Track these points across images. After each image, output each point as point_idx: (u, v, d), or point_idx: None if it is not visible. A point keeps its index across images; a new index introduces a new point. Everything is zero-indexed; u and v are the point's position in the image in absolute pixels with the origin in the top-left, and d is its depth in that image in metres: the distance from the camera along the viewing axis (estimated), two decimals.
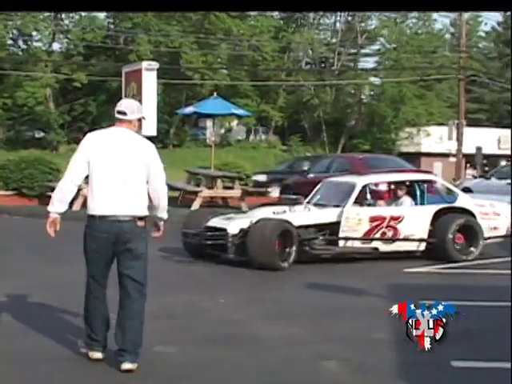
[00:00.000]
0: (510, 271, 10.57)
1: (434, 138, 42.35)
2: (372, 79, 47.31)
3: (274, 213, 11.71)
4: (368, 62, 66.20)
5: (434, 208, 12.30)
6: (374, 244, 11.97)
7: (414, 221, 12.13)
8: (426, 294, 9.12)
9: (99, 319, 5.98)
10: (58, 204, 5.80)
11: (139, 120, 6.02)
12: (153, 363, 6.08)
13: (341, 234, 11.65)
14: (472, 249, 12.16)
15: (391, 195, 12.93)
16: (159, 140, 45.50)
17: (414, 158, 39.36)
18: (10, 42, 46.93)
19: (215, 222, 11.73)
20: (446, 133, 37.43)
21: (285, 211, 11.85)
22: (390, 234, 11.96)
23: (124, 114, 5.89)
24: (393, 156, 26.57)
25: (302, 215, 11.79)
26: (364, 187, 12.22)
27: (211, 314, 8.15)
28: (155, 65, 18.06)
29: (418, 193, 12.63)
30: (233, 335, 7.25)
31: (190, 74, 42.80)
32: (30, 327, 7.21)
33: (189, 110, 23.26)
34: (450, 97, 45.62)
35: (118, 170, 5.72)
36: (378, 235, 11.88)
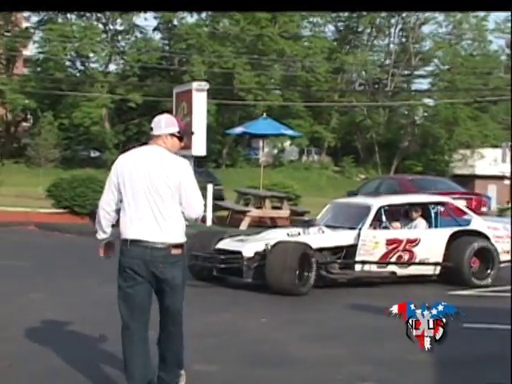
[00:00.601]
0: None
1: (489, 160, 41.94)
2: (426, 100, 47.13)
3: (288, 235, 11.28)
4: (422, 84, 65.97)
5: (449, 231, 11.95)
6: (390, 268, 11.60)
7: (430, 244, 11.78)
8: (475, 317, 9.06)
9: (139, 363, 5.33)
10: (100, 232, 5.46)
11: (172, 136, 5.43)
12: (193, 382, 6.12)
13: (357, 258, 11.25)
14: (488, 272, 11.82)
15: (405, 217, 12.42)
16: (213, 160, 45.90)
17: (468, 181, 38.99)
18: (68, 63, 47.89)
19: (226, 244, 11.25)
20: (500, 155, 36.99)
21: (299, 233, 11.42)
22: (406, 257, 11.59)
23: (151, 129, 5.48)
24: (443, 178, 26.33)
25: (319, 238, 11.36)
26: (379, 209, 11.77)
27: (251, 334, 8.18)
28: (205, 85, 18.24)
29: (433, 215, 12.24)
30: (272, 355, 7.27)
31: (243, 94, 43.13)
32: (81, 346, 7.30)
33: (239, 130, 23.40)
34: (504, 118, 45.14)
35: (146, 193, 5.22)
36: (394, 259, 11.51)
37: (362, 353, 7.40)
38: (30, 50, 50.12)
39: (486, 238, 12.09)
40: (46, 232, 18.51)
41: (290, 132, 23.27)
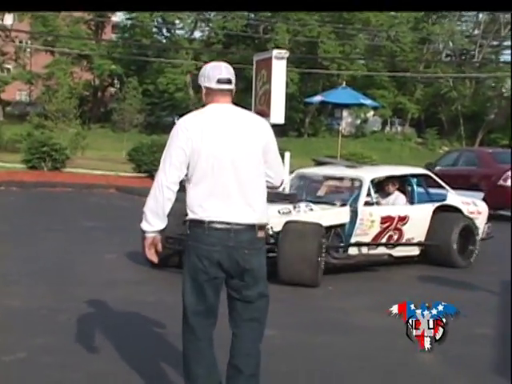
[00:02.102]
0: None
1: None
2: None
3: (279, 212, 9.45)
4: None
5: (432, 207, 10.91)
6: (382, 249, 10.39)
7: (417, 221, 10.64)
8: None
9: (204, 371, 4.35)
10: (155, 219, 4.22)
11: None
12: None
13: (353, 239, 9.90)
14: (471, 249, 10.95)
15: (381, 191, 10.97)
16: (295, 129, 45.90)
17: None
18: (154, 29, 48.40)
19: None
20: None
21: (290, 211, 9.63)
22: (395, 237, 10.42)
23: (229, 81, 4.29)
24: None
25: (316, 216, 9.58)
26: (371, 183, 10.39)
27: (316, 301, 8.25)
28: (285, 53, 18.16)
29: (410, 188, 11.06)
30: (335, 322, 7.34)
31: (327, 63, 42.88)
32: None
33: (317, 98, 23.35)
34: None
35: (230, 160, 4.18)
36: (384, 239, 10.29)
37: None
38: (118, 17, 50.87)
39: (461, 213, 11.30)
40: (126, 195, 18.92)
41: (369, 102, 23.09)
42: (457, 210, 11.31)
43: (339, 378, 5.66)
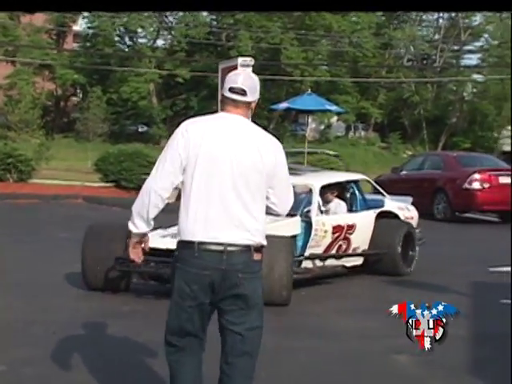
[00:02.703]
0: None
1: None
2: (475, 76, 46.58)
3: None
4: (471, 59, 65.06)
5: (373, 214, 10.45)
6: (335, 260, 9.87)
7: (363, 230, 10.18)
8: (509, 293, 9.10)
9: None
10: (139, 222, 3.94)
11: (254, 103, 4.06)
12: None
13: (308, 251, 9.33)
14: (411, 255, 10.51)
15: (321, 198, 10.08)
16: None
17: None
18: (116, 38, 48.25)
19: (164, 242, 7.82)
20: None
21: None
22: (344, 246, 9.91)
23: (243, 93, 3.92)
24: (488, 155, 26.13)
25: (268, 229, 8.23)
26: (320, 190, 9.87)
27: (290, 306, 8.32)
28: (251, 61, 18.20)
29: (351, 195, 10.55)
30: (309, 326, 7.42)
31: (290, 70, 43.07)
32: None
33: (283, 105, 23.50)
34: None
35: (228, 177, 3.84)
36: (334, 250, 9.79)
37: (399, 327, 7.50)
38: (80, 26, 50.60)
39: (399, 219, 10.93)
40: (93, 205, 18.85)
41: (334, 108, 23.28)
42: (395, 216, 10.90)
43: (318, 382, 5.73)
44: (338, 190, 10.37)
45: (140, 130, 48.79)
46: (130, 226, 4.00)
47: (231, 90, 3.93)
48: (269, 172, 3.89)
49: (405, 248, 10.37)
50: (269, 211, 4.02)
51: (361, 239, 10.17)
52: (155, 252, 7.36)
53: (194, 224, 3.82)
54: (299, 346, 6.63)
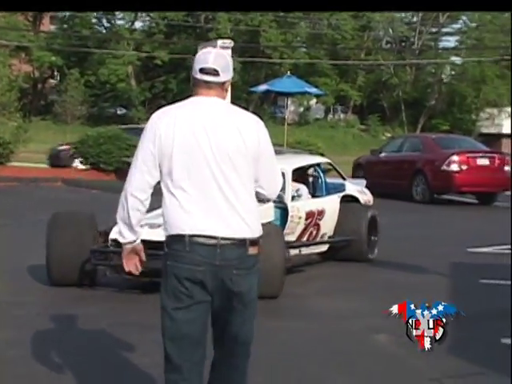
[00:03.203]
0: None
1: None
2: (453, 58, 46.74)
3: None
4: (449, 41, 65.27)
5: (338, 199, 10.07)
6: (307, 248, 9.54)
7: (330, 215, 9.78)
8: (488, 273, 9.22)
9: None
10: (125, 230, 3.66)
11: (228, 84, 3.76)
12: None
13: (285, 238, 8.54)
14: (374, 240, 10.20)
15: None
16: None
17: (495, 140, 38.82)
18: (94, 20, 47.93)
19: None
20: None
21: None
22: (314, 233, 9.54)
23: (215, 73, 3.61)
24: (466, 136, 26.28)
25: None
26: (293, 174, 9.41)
27: None
28: (230, 43, 18.18)
29: (316, 179, 10.14)
30: (290, 308, 7.49)
31: (269, 52, 43.01)
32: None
33: (262, 87, 23.50)
34: None
35: (211, 165, 3.53)
36: (305, 237, 9.41)
37: (379, 307, 7.58)
38: None
39: (359, 203, 10.62)
40: (73, 188, 18.82)
41: (313, 90, 23.32)
42: (355, 199, 10.58)
43: (302, 362, 5.79)
44: (300, 174, 9.87)
45: (119, 112, 48.57)
46: (118, 237, 3.73)
47: (202, 70, 3.61)
48: (254, 153, 3.57)
49: (368, 233, 10.04)
50: (257, 196, 3.68)
51: (328, 225, 9.78)
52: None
53: (182, 217, 3.50)
54: (280, 327, 6.69)
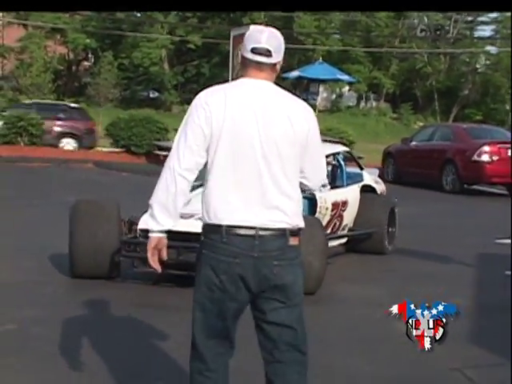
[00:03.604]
0: None
1: None
2: (488, 48, 46.24)
3: None
4: (485, 31, 64.57)
5: (358, 189, 9.85)
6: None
7: (352, 206, 9.52)
8: None
9: None
10: (163, 216, 3.38)
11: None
12: None
13: None
14: (393, 231, 9.98)
15: None
16: None
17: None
18: None
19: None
20: None
21: None
22: (337, 224, 9.31)
23: (268, 54, 3.41)
24: (498, 127, 26.07)
25: None
26: None
27: None
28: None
29: (337, 168, 9.75)
30: (316, 294, 7.54)
31: (303, 38, 42.86)
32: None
33: (294, 74, 23.50)
34: None
35: (257, 151, 3.34)
36: (330, 228, 9.09)
37: (403, 295, 7.60)
38: None
39: (375, 193, 10.39)
40: (104, 170, 18.98)
41: (345, 77, 23.27)
42: (373, 189, 10.38)
43: (319, 347, 5.83)
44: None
45: (151, 95, 48.76)
46: (150, 223, 3.39)
47: (254, 50, 3.39)
48: (301, 142, 3.40)
49: (388, 225, 9.81)
50: (300, 187, 3.51)
51: (350, 216, 9.55)
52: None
53: (220, 206, 3.33)
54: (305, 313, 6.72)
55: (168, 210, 3.35)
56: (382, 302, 7.15)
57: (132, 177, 17.81)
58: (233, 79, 15.40)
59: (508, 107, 43.76)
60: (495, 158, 17.74)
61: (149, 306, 6.60)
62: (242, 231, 3.31)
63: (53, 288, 7.02)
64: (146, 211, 3.42)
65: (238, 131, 3.33)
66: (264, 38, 3.41)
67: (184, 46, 44.92)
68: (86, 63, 51.95)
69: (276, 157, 3.35)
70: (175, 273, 6.88)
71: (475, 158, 17.78)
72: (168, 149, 15.22)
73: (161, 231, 3.39)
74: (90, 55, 50.53)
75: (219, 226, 3.32)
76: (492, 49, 45.95)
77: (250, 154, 3.33)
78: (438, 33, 49.38)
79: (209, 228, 3.38)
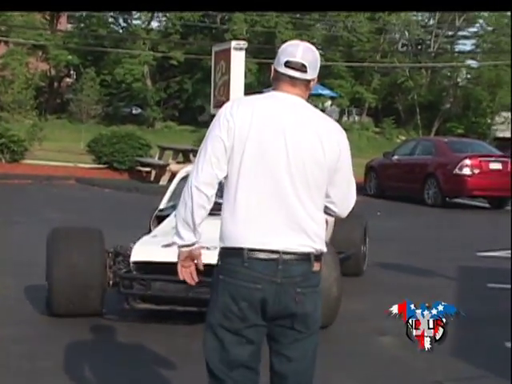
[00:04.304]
0: None
1: None
2: (469, 62, 46.59)
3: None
4: (465, 45, 65.06)
5: None
6: None
7: (331, 226, 8.40)
8: (496, 277, 9.22)
9: None
10: (184, 231, 3.25)
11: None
12: None
13: None
14: (364, 250, 9.27)
15: None
16: None
17: (510, 144, 38.65)
18: (110, 20, 48.12)
19: (161, 252, 6.14)
20: None
21: None
22: None
23: (303, 69, 3.24)
24: (479, 141, 26.23)
25: None
26: None
27: None
28: (244, 44, 18.33)
29: None
30: None
31: None
32: None
33: None
34: None
35: (282, 170, 3.16)
36: None
37: (384, 309, 7.60)
38: None
39: None
40: (86, 186, 18.93)
41: (327, 92, 23.37)
42: None
43: None
44: None
45: (134, 112, 48.72)
46: (175, 238, 3.29)
47: (288, 64, 3.22)
48: (331, 165, 3.21)
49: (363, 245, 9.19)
50: (326, 212, 3.34)
51: (327, 237, 8.09)
52: (158, 267, 6.12)
53: (242, 227, 3.13)
54: None
55: (188, 225, 3.21)
56: (365, 317, 7.20)
57: (115, 193, 17.78)
58: (214, 95, 15.18)
59: (489, 121, 44.01)
60: (476, 171, 17.84)
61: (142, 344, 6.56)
62: (265, 255, 3.12)
63: (33, 306, 6.97)
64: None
65: (264, 147, 3.14)
66: (299, 52, 3.25)
67: (166, 62, 44.96)
68: (68, 80, 51.87)
69: (303, 178, 3.16)
70: (179, 309, 6.36)
71: (456, 171, 17.88)
72: (150, 165, 15.55)
73: (187, 245, 3.27)
74: (72, 72, 50.48)
75: (240, 249, 3.12)
76: (473, 63, 46.33)
77: (275, 172, 3.14)
78: (419, 47, 49.73)
79: (227, 252, 3.18)
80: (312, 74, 3.25)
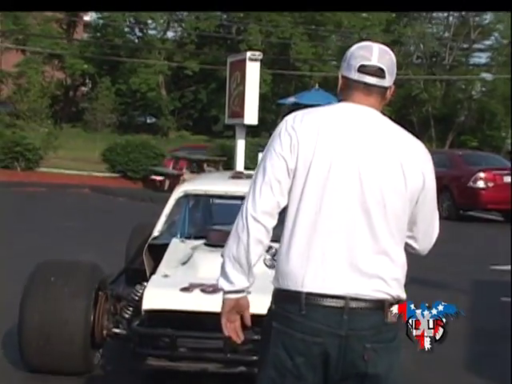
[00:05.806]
0: None
1: None
2: (484, 75, 46.51)
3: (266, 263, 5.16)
4: (480, 58, 64.96)
5: None
6: None
7: None
8: (509, 291, 9.18)
9: None
10: (235, 272, 2.66)
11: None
12: None
13: None
14: None
15: None
16: (266, 129, 46.22)
17: None
18: (126, 29, 48.37)
19: (185, 298, 4.87)
20: None
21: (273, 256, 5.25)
22: None
23: (381, 74, 2.71)
24: (494, 154, 26.15)
25: None
26: None
27: None
28: (259, 55, 18.20)
29: None
30: None
31: (300, 64, 43.11)
32: None
33: (291, 100, 23.70)
34: None
35: (356, 201, 2.63)
36: None
37: (399, 323, 7.60)
38: (90, 16, 50.73)
39: None
40: (100, 195, 18.99)
41: None
42: None
43: None
44: None
45: (148, 121, 48.92)
46: (221, 282, 2.67)
47: (362, 69, 2.69)
48: (413, 196, 2.70)
49: None
50: (404, 248, 2.81)
51: None
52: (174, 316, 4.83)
53: (299, 266, 2.59)
54: None
55: (241, 265, 2.63)
56: None
57: (128, 202, 17.83)
58: (229, 105, 15.22)
59: (503, 134, 43.92)
60: (490, 184, 17.79)
61: None
62: (327, 302, 2.58)
63: None
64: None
65: (332, 170, 2.59)
66: (375, 54, 2.71)
67: (181, 72, 45.14)
68: (83, 88, 52.15)
69: (380, 208, 2.61)
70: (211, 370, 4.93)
71: (471, 184, 17.84)
72: (164, 174, 15.30)
73: (237, 291, 2.67)
74: (87, 81, 50.75)
75: (297, 293, 2.58)
76: (487, 76, 46.22)
77: (345, 202, 2.60)
78: (434, 60, 49.67)
79: (282, 295, 2.64)
80: (390, 80, 2.74)
